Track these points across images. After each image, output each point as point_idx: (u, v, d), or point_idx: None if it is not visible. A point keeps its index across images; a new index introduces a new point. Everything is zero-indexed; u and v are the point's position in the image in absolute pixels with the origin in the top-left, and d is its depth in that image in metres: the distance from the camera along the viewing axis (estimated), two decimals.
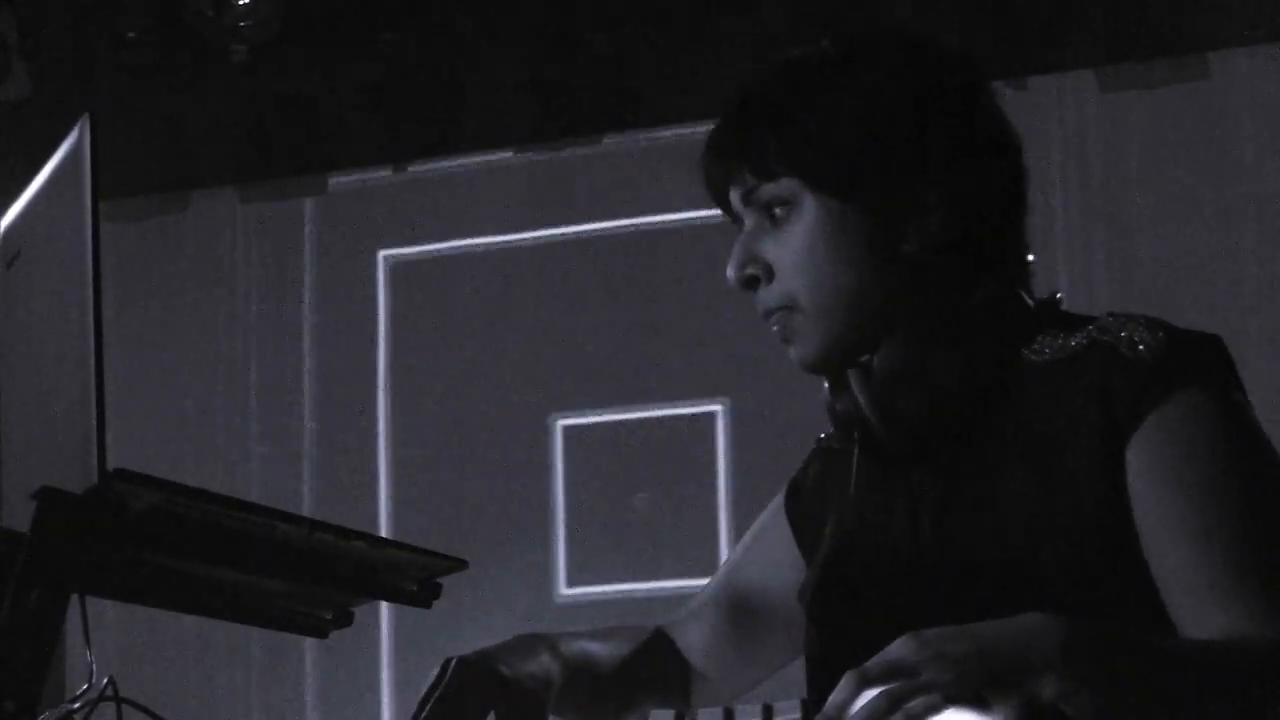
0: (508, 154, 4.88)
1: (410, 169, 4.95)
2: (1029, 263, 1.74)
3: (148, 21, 4.81)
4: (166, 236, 5.08)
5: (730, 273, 1.70)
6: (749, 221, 1.70)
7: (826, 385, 1.72)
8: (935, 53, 1.72)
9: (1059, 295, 1.73)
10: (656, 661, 1.91)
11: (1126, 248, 4.31)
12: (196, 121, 5.03)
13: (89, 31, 4.85)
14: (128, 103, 4.85)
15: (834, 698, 1.33)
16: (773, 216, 1.69)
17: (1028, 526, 1.58)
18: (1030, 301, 1.71)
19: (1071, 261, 4.35)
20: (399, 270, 4.95)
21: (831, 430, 1.75)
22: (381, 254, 4.97)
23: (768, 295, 1.69)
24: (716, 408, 4.67)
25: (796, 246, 1.67)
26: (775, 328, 1.71)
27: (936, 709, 1.31)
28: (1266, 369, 3.99)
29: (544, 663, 1.76)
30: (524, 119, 4.82)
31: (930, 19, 4.31)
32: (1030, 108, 4.38)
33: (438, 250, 4.92)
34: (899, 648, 1.34)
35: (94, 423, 1.42)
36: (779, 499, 1.93)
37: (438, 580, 1.73)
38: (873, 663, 1.34)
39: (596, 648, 1.85)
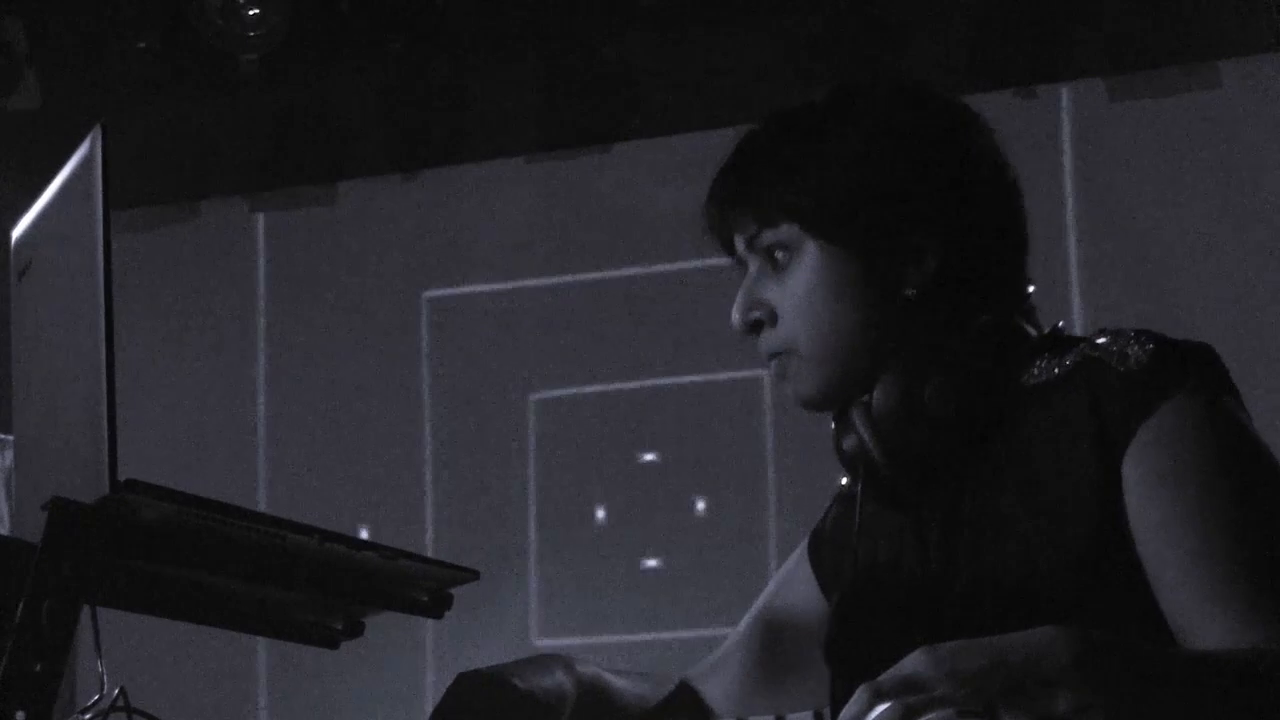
0: (518, 160, 4.87)
1: (420, 176, 4.95)
2: (1028, 294, 1.76)
3: (157, 31, 4.81)
4: (177, 246, 5.08)
5: (735, 317, 1.76)
6: (753, 266, 1.75)
7: (833, 426, 1.75)
8: (928, 100, 1.76)
9: (1060, 326, 1.75)
10: (676, 706, 1.92)
11: (1137, 255, 4.31)
12: (206, 131, 5.03)
13: (99, 41, 4.85)
14: (138, 112, 4.86)
15: (847, 711, 1.32)
16: (775, 261, 1.74)
17: (1027, 547, 1.59)
18: (1031, 332, 1.73)
19: (1082, 269, 4.34)
20: (415, 279, 4.95)
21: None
22: (398, 262, 4.97)
23: (771, 339, 1.75)
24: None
25: (798, 291, 1.73)
26: (773, 367, 1.76)
27: None
28: (1275, 372, 3.99)
29: (559, 679, 1.76)
30: (533, 127, 4.83)
31: (939, 29, 4.31)
32: (1040, 116, 4.39)
33: (452, 257, 4.92)
34: (913, 661, 1.34)
35: (105, 433, 1.42)
36: (802, 546, 1.96)
37: (449, 591, 1.73)
38: (887, 676, 1.33)
39: (614, 678, 1.86)
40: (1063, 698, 1.33)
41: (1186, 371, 1.60)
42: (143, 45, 4.81)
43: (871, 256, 1.70)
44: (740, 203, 1.75)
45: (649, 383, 4.72)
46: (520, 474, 4.79)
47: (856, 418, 1.70)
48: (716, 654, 1.97)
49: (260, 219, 5.09)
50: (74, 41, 4.88)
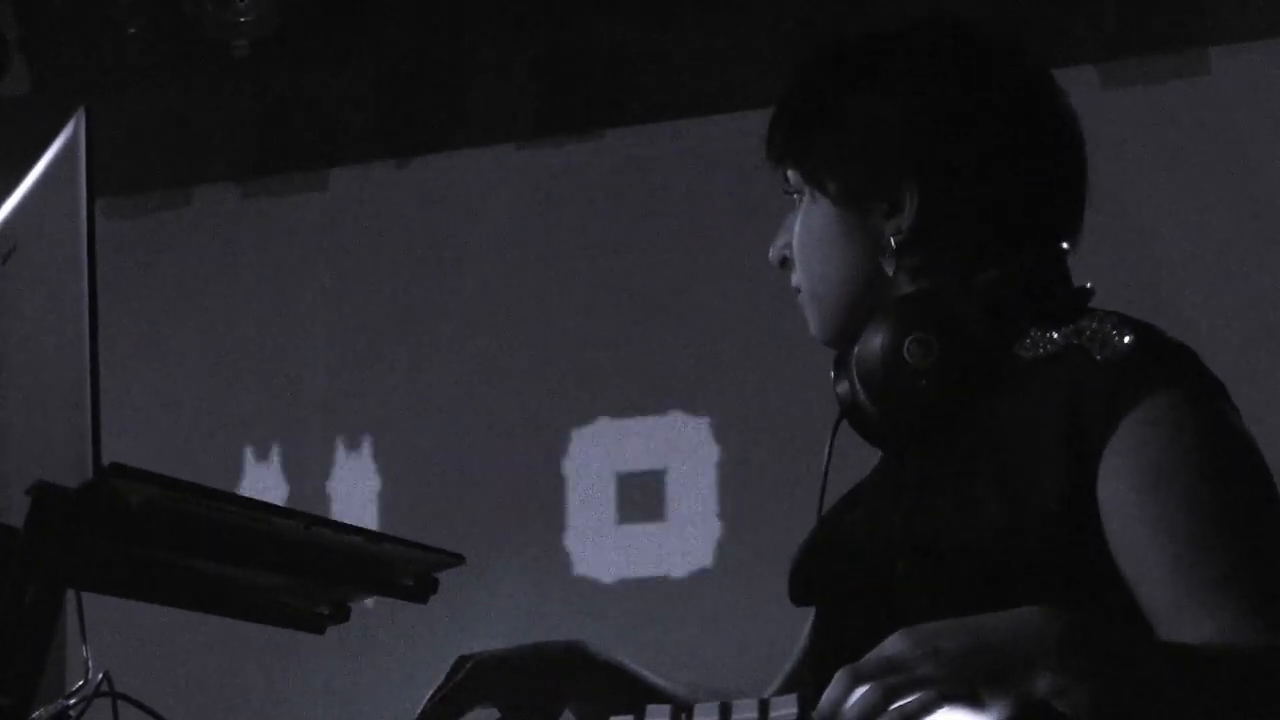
0: (510, 148, 4.87)
1: (412, 163, 4.94)
2: (1058, 254, 1.75)
3: (148, 17, 4.80)
4: (168, 233, 5.08)
5: (770, 254, 1.85)
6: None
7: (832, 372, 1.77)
8: (959, 51, 1.80)
9: (1089, 287, 1.75)
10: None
11: (1128, 243, 4.31)
12: (197, 117, 5.03)
13: (89, 27, 4.84)
14: (128, 98, 4.85)
15: (828, 694, 1.32)
16: (795, 199, 1.82)
17: (988, 525, 1.57)
18: (1062, 289, 1.72)
19: (1072, 257, 4.34)
20: (403, 264, 4.94)
21: None
22: (385, 248, 4.96)
23: (792, 276, 1.83)
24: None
25: (797, 234, 1.81)
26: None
27: (931, 705, 1.30)
28: (1268, 364, 3.99)
29: (569, 646, 1.80)
30: (526, 113, 4.82)
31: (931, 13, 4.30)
32: None
33: (444, 245, 4.91)
34: (894, 643, 1.34)
35: (89, 417, 1.42)
36: None
37: (435, 575, 1.74)
38: (867, 659, 1.33)
39: (651, 675, 1.86)
40: (1043, 679, 1.33)
41: (1165, 365, 1.60)
42: (133, 31, 4.80)
43: (853, 205, 1.75)
44: (768, 146, 1.83)
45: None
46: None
47: (848, 362, 1.72)
48: (790, 661, 1.94)
49: (252, 205, 5.08)
50: (64, 27, 4.87)
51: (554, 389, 4.76)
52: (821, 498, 1.81)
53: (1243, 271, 4.21)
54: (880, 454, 1.84)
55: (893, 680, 1.31)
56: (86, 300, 1.43)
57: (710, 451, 4.63)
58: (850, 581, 1.67)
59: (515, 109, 4.83)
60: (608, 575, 4.66)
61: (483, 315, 4.84)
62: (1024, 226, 1.73)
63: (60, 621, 1.48)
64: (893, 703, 1.30)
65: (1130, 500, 1.55)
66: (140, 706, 1.61)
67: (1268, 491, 1.58)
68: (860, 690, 1.31)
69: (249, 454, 4.95)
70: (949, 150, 1.71)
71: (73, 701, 1.59)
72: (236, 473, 4.87)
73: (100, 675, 1.58)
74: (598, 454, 4.73)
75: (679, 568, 4.59)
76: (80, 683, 1.60)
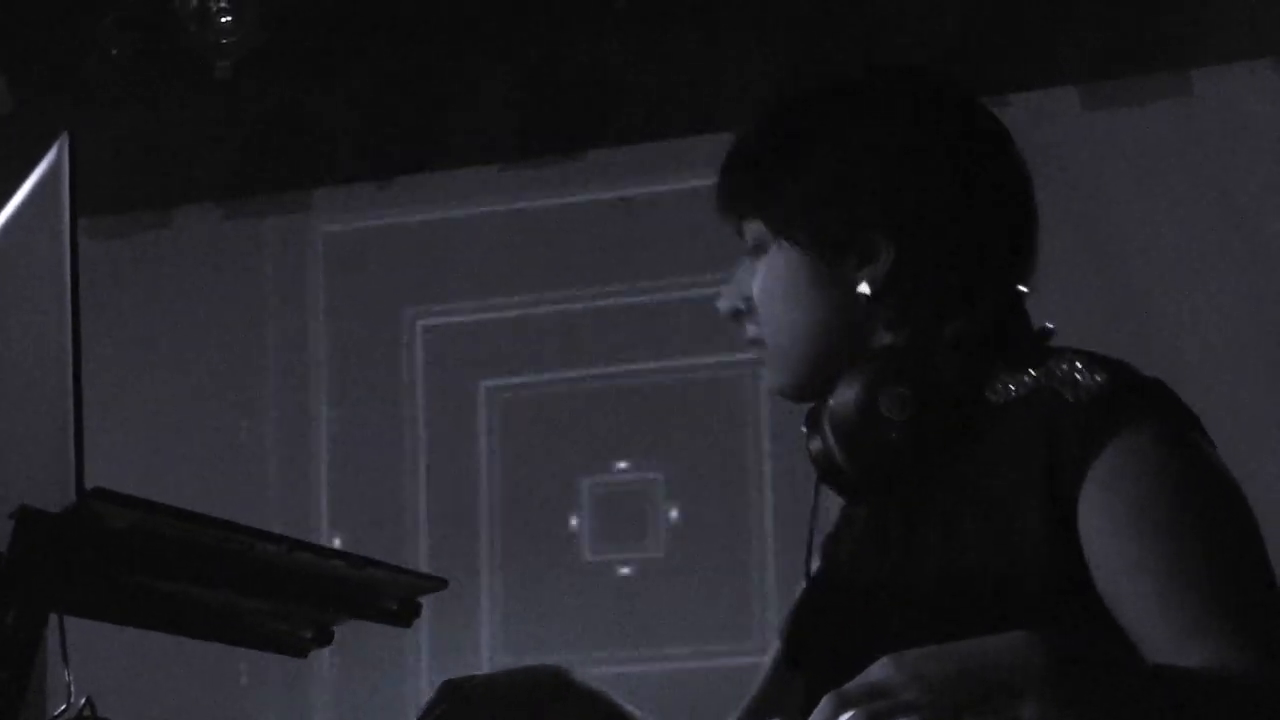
0: (493, 169, 4.87)
1: (395, 183, 4.94)
2: (1016, 299, 1.76)
3: (130, 36, 4.80)
4: (149, 253, 5.06)
5: (719, 304, 1.81)
6: (747, 257, 1.79)
7: (804, 428, 1.75)
8: (917, 99, 1.77)
9: (1049, 327, 1.75)
10: None
11: (1109, 265, 4.32)
12: (179, 137, 5.02)
13: (71, 46, 4.84)
14: (110, 118, 4.84)
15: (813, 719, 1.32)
16: (755, 254, 1.78)
17: (977, 571, 1.59)
18: (1007, 337, 1.71)
19: (1053, 278, 4.34)
20: (386, 285, 4.94)
21: None
22: (368, 269, 4.96)
23: (749, 329, 1.79)
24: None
25: (761, 285, 1.77)
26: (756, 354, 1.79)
27: None
28: (1250, 383, 4.00)
29: (551, 671, 1.79)
30: (510, 133, 4.82)
31: (913, 36, 4.32)
32: (1012, 125, 4.38)
33: (427, 266, 4.91)
34: (879, 669, 1.34)
35: (72, 442, 1.42)
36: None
37: (418, 599, 1.74)
38: (853, 684, 1.33)
39: (614, 696, 1.86)
40: (1029, 707, 1.32)
41: (1137, 402, 1.60)
42: (115, 51, 4.80)
43: (825, 256, 1.73)
44: (725, 193, 1.80)
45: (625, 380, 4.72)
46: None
47: (820, 415, 1.70)
48: (752, 690, 1.94)
49: (233, 226, 5.07)
50: (46, 46, 4.87)
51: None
52: (808, 558, 1.81)
53: (1224, 292, 4.22)
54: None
55: (877, 706, 1.31)
56: (69, 325, 1.43)
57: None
58: (846, 640, 1.67)
59: (498, 130, 4.83)
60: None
61: (463, 335, 4.84)
62: (988, 273, 1.74)
63: (41, 646, 1.48)
64: None
65: (1109, 539, 1.56)
66: None
67: (1244, 524, 1.58)
68: (845, 716, 1.30)
69: (227, 474, 4.93)
70: (920, 199, 1.72)
71: None
72: (219, 495, 4.85)
73: (83, 700, 1.58)
74: None
75: None
76: (63, 707, 1.59)
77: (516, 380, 4.80)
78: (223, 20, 4.68)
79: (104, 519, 1.47)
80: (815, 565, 1.84)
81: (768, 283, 1.76)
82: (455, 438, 4.82)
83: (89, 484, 1.43)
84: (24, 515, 1.44)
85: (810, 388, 1.74)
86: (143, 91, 4.89)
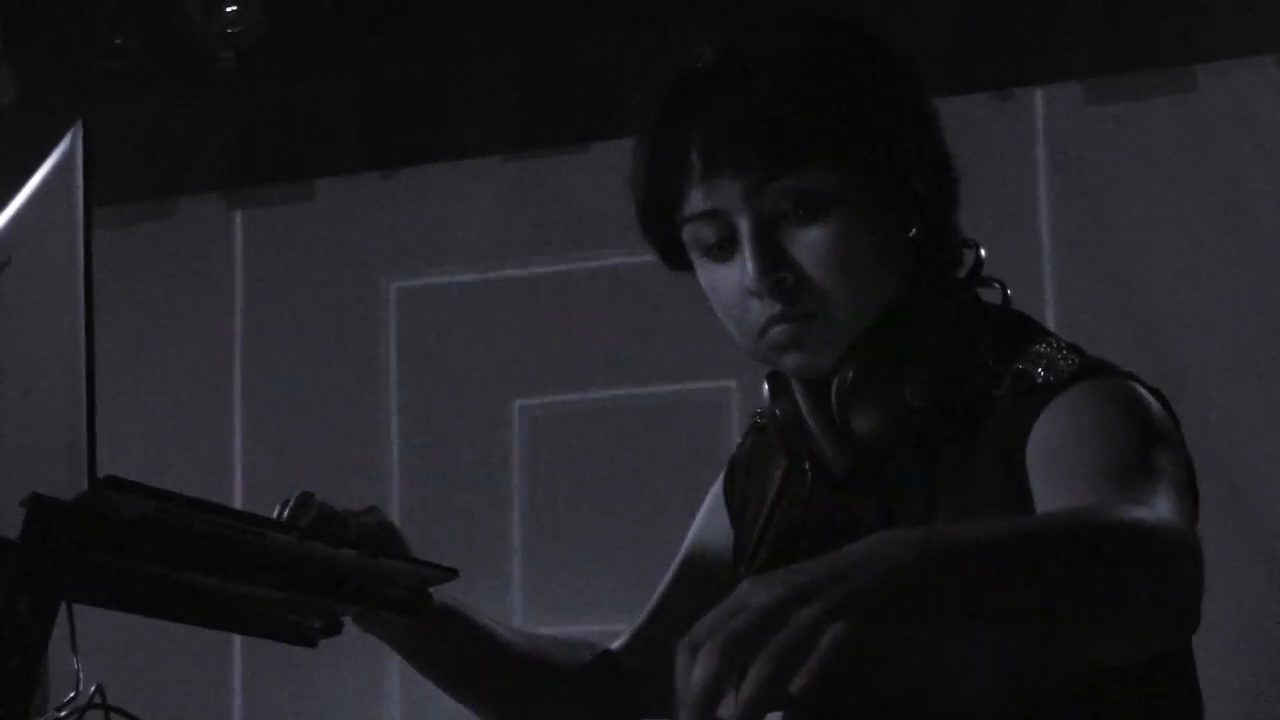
0: (496, 159, 4.87)
1: (398, 174, 4.94)
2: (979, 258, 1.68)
3: (135, 27, 4.80)
4: (153, 243, 5.07)
5: (757, 280, 1.58)
6: (748, 222, 1.58)
7: (765, 389, 1.68)
8: (894, 47, 1.68)
9: (1007, 291, 1.67)
10: (595, 678, 1.88)
11: (1112, 260, 4.32)
12: (184, 128, 5.02)
13: (76, 37, 4.84)
14: (114, 109, 4.84)
15: (695, 677, 1.05)
16: (798, 212, 1.58)
17: None
18: (1017, 321, 1.67)
19: (1056, 272, 4.35)
20: (394, 280, 4.94)
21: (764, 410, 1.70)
22: (378, 263, 4.96)
23: (803, 300, 1.58)
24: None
25: (828, 248, 1.57)
26: (783, 334, 1.60)
27: (855, 638, 1.04)
28: (1254, 379, 4.00)
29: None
30: (512, 125, 4.82)
31: (914, 30, 4.31)
32: (1015, 119, 4.39)
33: (433, 259, 4.91)
34: (747, 594, 1.06)
35: (84, 430, 1.42)
36: (718, 482, 1.88)
37: (428, 589, 1.74)
38: (719, 618, 1.06)
39: (503, 627, 1.85)
40: (914, 602, 1.08)
41: (1091, 373, 1.55)
42: (120, 41, 4.80)
43: (890, 210, 1.60)
44: (768, 137, 1.55)
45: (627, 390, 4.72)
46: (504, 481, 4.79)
47: (800, 391, 1.64)
48: (640, 619, 1.90)
49: (238, 216, 5.08)
50: (50, 37, 4.87)
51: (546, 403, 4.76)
52: (755, 548, 1.72)
53: (1228, 289, 4.22)
54: (760, 438, 1.78)
55: (783, 635, 1.04)
56: (83, 314, 1.43)
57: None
58: None
59: (501, 121, 4.83)
60: None
61: (467, 326, 4.84)
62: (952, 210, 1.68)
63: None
64: (800, 663, 1.03)
65: (1041, 466, 1.49)
66: (132, 719, 1.60)
67: (1177, 454, 1.49)
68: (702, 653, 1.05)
69: (238, 464, 4.94)
70: (938, 145, 1.66)
71: (64, 714, 1.59)
72: (227, 484, 4.86)
73: (93, 688, 1.58)
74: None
75: None
76: (72, 694, 1.59)
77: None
78: (227, 11, 4.68)
79: (116, 507, 1.47)
80: (761, 557, 1.73)
81: (834, 244, 1.56)
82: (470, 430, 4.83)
83: (100, 472, 1.43)
84: (36, 503, 1.44)
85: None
86: (147, 82, 4.89)
